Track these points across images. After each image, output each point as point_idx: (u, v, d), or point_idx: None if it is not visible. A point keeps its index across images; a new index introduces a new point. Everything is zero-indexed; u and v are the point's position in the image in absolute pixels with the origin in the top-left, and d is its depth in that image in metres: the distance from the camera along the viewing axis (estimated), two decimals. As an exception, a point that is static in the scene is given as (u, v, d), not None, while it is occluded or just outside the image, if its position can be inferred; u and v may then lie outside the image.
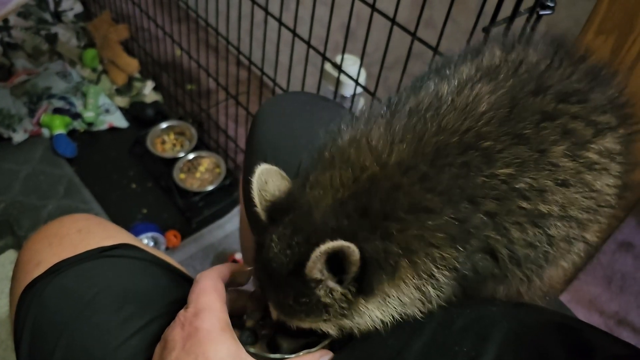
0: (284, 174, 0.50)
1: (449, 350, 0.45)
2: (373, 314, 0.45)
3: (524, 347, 0.43)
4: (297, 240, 0.44)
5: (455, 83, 0.47)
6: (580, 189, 0.44)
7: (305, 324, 0.47)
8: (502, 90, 0.45)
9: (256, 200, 0.48)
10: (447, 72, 0.49)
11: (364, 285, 0.43)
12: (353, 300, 0.44)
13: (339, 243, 0.40)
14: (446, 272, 0.44)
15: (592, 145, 0.44)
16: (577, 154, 0.43)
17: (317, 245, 0.40)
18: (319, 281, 0.43)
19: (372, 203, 0.42)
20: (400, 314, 0.45)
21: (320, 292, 0.44)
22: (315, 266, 0.42)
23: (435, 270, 0.43)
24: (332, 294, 0.44)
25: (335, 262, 0.42)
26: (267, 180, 0.49)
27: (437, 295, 0.45)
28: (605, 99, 0.46)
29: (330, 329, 0.47)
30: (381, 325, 0.46)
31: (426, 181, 0.42)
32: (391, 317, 0.46)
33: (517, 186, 0.42)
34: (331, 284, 0.44)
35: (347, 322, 0.46)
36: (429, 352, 0.45)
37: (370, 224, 0.42)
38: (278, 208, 0.47)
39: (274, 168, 0.50)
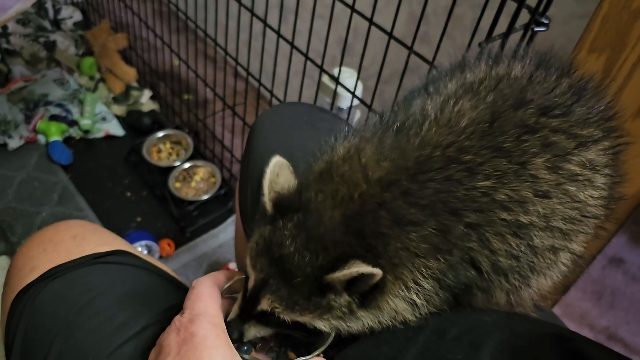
0: (292, 169, 0.51)
1: (442, 358, 0.45)
2: (366, 321, 0.47)
3: (517, 356, 0.44)
4: (315, 247, 0.45)
5: (440, 100, 0.49)
6: (563, 200, 0.45)
7: (302, 319, 0.48)
8: (483, 106, 0.46)
9: (265, 189, 0.49)
10: (435, 88, 0.51)
11: (368, 299, 0.46)
12: (355, 310, 0.47)
13: (375, 270, 0.42)
14: (431, 281, 0.45)
15: (573, 158, 0.45)
16: (558, 165, 0.44)
17: (340, 260, 0.43)
18: (333, 287, 0.45)
19: (364, 225, 0.45)
20: (390, 321, 0.48)
21: (331, 296, 0.46)
22: (343, 279, 0.44)
23: (422, 279, 0.45)
24: (339, 299, 0.46)
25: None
26: (279, 173, 0.50)
27: (425, 303, 0.46)
28: (589, 112, 0.47)
29: (323, 326, 0.49)
30: (369, 329, 0.48)
31: (409, 195, 0.44)
32: (381, 324, 0.48)
33: (497, 198, 0.44)
34: (341, 290, 0.46)
35: (342, 324, 0.48)
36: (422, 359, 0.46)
37: (366, 245, 0.45)
38: (285, 203, 0.48)
39: (285, 162, 0.51)
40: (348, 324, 0.48)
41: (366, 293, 0.46)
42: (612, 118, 0.49)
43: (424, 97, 0.50)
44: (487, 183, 0.44)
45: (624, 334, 1.08)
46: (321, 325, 0.48)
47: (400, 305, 0.46)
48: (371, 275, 0.43)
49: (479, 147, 0.44)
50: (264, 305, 0.48)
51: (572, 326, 1.18)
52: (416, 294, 0.46)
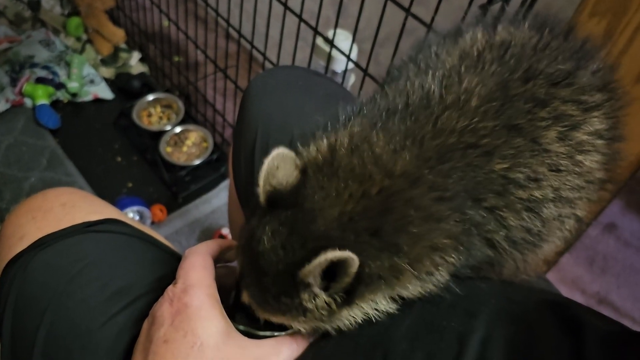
0: (298, 162, 0.46)
1: (437, 326, 0.45)
2: (352, 317, 0.45)
3: (513, 323, 0.44)
4: (294, 242, 0.42)
5: (440, 76, 0.46)
6: (572, 170, 0.44)
7: (276, 320, 0.46)
8: (491, 81, 0.44)
9: (261, 182, 0.45)
10: (429, 62, 0.48)
11: (351, 297, 0.43)
12: (336, 310, 0.44)
13: (346, 254, 0.38)
14: (444, 273, 0.44)
15: (582, 126, 0.44)
16: (568, 135, 0.43)
17: (316, 252, 0.39)
18: (307, 285, 0.42)
19: (385, 223, 0.41)
20: (386, 311, 0.45)
21: (305, 296, 0.43)
22: (314, 271, 0.40)
23: (436, 272, 0.43)
24: (315, 300, 0.43)
25: (326, 270, 0.41)
26: (279, 166, 0.45)
27: (430, 290, 0.45)
28: (591, 75, 0.46)
29: (303, 328, 0.46)
30: (359, 322, 0.45)
31: (434, 190, 0.42)
32: (375, 316, 0.45)
33: (513, 177, 0.42)
34: (317, 290, 0.43)
35: (322, 325, 0.45)
36: (417, 328, 0.46)
37: (380, 243, 0.41)
38: (279, 199, 0.45)
39: (291, 154, 0.46)
40: (330, 325, 0.45)
41: (350, 289, 0.42)
42: (612, 79, 0.48)
43: (421, 75, 0.47)
44: (505, 164, 0.42)
45: (614, 298, 1.10)
46: (299, 327, 0.46)
47: (415, 291, 0.44)
48: (348, 264, 0.39)
49: (493, 127, 0.42)
50: (245, 298, 0.47)
51: (564, 290, 1.20)
52: (426, 284, 0.44)
